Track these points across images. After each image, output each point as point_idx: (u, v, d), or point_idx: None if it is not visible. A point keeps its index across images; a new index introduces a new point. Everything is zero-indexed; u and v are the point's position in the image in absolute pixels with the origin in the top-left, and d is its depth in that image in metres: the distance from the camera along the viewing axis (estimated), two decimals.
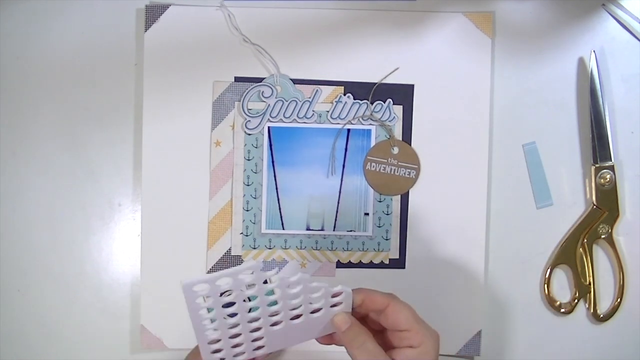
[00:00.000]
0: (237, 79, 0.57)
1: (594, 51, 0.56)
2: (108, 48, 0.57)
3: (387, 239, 0.57)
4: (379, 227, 0.57)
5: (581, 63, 0.57)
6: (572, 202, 0.57)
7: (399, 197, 0.57)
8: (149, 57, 0.56)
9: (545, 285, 0.57)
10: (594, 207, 0.56)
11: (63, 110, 0.57)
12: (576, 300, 0.56)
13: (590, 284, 0.56)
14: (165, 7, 0.56)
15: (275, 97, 0.56)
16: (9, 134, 0.57)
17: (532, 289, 0.58)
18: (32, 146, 0.57)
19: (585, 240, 0.56)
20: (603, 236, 0.56)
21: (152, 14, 0.56)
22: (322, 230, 0.57)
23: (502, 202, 0.57)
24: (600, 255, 0.57)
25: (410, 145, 0.57)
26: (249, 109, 0.56)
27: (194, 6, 0.56)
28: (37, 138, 0.57)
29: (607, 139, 0.56)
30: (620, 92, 0.57)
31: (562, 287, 0.57)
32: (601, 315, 0.57)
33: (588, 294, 0.56)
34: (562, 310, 0.57)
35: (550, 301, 0.57)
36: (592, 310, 0.57)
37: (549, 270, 0.57)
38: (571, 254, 0.56)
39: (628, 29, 0.57)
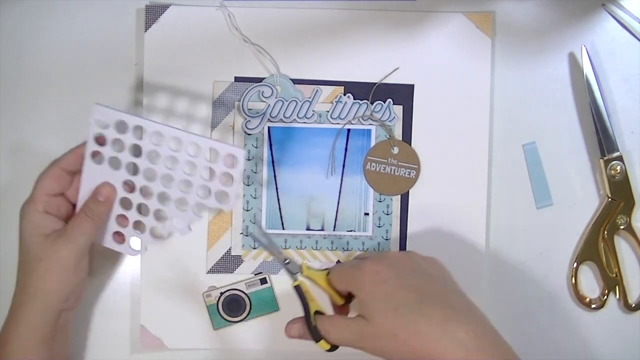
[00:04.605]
0: (237, 79, 0.57)
1: (584, 45, 0.56)
2: (108, 48, 0.57)
3: (387, 239, 0.57)
4: (379, 227, 0.57)
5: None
6: (581, 200, 0.57)
7: (399, 197, 0.57)
8: (149, 57, 0.56)
9: (573, 283, 0.57)
10: (609, 199, 0.56)
11: (63, 110, 0.57)
12: (606, 295, 0.56)
13: (617, 275, 0.56)
14: (165, 7, 0.56)
15: (275, 97, 0.56)
16: (9, 133, 0.57)
17: (539, 287, 0.58)
18: (32, 146, 0.57)
19: (606, 234, 0.56)
20: (622, 227, 0.56)
21: (152, 14, 0.56)
22: (322, 230, 0.57)
23: (502, 202, 0.57)
24: (623, 246, 0.57)
25: (410, 145, 0.57)
26: (249, 109, 0.56)
27: (194, 6, 0.56)
28: (37, 138, 0.57)
29: (611, 130, 0.55)
30: (620, 92, 0.57)
31: (590, 282, 0.57)
32: (633, 305, 0.57)
33: (617, 286, 0.56)
34: (593, 306, 0.57)
35: (580, 298, 0.57)
36: (622, 302, 0.57)
37: (574, 268, 0.57)
38: (594, 249, 0.56)
39: (628, 29, 0.57)
